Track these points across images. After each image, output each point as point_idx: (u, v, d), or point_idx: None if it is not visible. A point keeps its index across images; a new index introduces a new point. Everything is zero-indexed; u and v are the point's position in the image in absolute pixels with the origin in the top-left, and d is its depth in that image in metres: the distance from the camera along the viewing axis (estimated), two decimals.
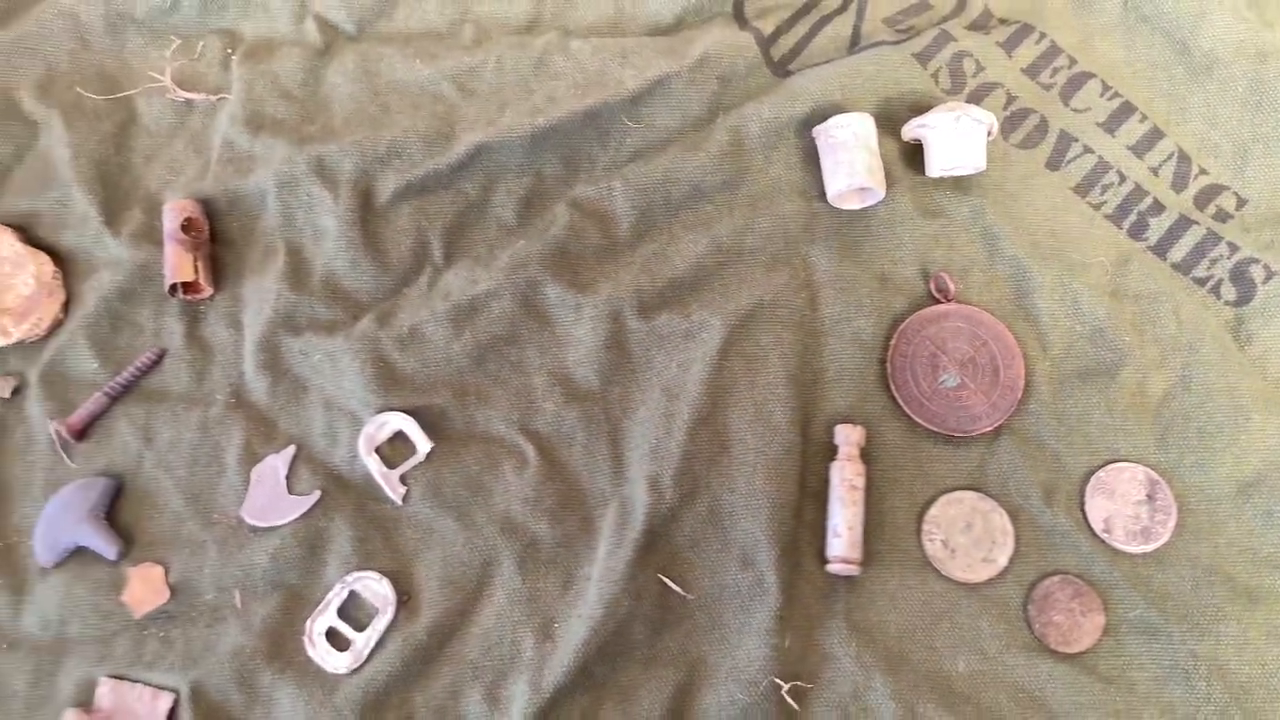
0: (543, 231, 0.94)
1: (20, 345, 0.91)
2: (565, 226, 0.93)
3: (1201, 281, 0.92)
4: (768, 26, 1.00)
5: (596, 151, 0.96)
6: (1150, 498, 0.86)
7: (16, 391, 0.91)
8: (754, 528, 0.84)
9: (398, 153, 0.94)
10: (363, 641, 0.83)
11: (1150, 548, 0.85)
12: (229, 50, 1.00)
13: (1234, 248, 0.92)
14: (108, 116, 0.98)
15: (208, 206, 0.94)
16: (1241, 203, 0.95)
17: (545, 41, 0.99)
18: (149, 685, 0.82)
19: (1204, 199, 0.95)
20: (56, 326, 0.92)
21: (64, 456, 0.89)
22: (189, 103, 0.99)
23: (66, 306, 0.93)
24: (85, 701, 0.82)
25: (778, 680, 0.81)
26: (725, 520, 0.86)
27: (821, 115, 0.95)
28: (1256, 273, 0.91)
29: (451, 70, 0.98)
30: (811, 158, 0.96)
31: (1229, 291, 0.92)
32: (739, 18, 1.01)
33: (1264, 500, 0.86)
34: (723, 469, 0.86)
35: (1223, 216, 0.94)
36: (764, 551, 0.84)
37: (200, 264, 0.91)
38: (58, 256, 0.94)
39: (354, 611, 0.84)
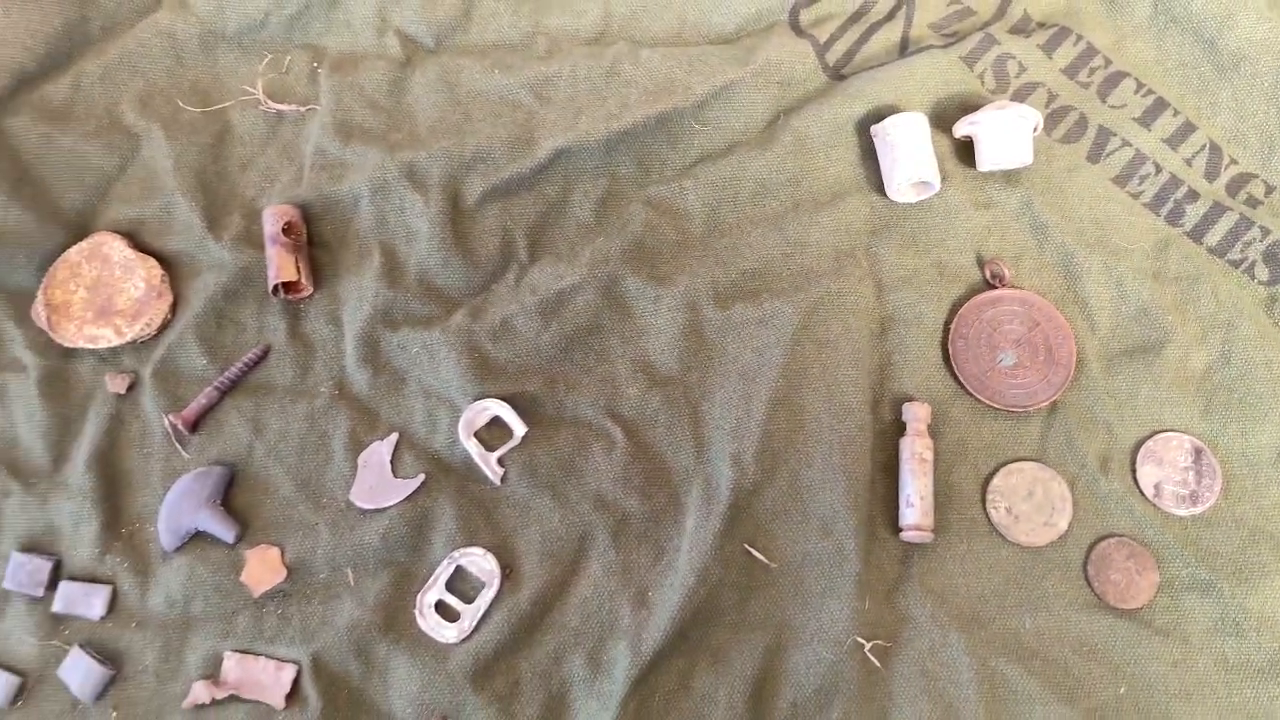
0: (620, 229, 1.00)
1: (132, 344, 0.97)
2: (641, 223, 1.00)
3: (1236, 263, 0.99)
4: (822, 34, 1.07)
5: (667, 153, 1.02)
6: (1196, 464, 0.93)
7: (131, 388, 0.96)
8: (832, 500, 0.90)
9: (482, 158, 1.00)
10: (470, 613, 0.89)
11: (1198, 510, 0.92)
12: (315, 64, 1.06)
13: (1265, 231, 0.99)
14: (204, 128, 1.04)
15: (303, 211, 1.00)
16: (1270, 189, 1.01)
17: (616, 51, 1.05)
18: (272, 658, 0.88)
19: (1235, 187, 1.02)
20: (165, 326, 0.98)
21: (179, 448, 0.94)
22: (279, 114, 1.05)
23: (174, 307, 0.98)
24: (212, 674, 0.88)
25: (860, 639, 0.87)
26: (804, 493, 0.91)
27: (877, 115, 1.02)
28: None
29: (528, 79, 1.04)
30: (869, 155, 1.02)
31: (1262, 272, 0.98)
32: (795, 26, 1.08)
33: None
34: (800, 446, 0.92)
35: (1253, 203, 1.01)
36: (842, 521, 0.90)
37: (301, 264, 0.97)
38: (164, 260, 0.99)
39: (461, 585, 0.90)
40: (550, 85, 1.04)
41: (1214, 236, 1.00)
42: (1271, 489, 0.92)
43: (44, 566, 0.90)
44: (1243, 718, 0.86)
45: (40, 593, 0.89)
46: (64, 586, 0.89)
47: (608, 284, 0.97)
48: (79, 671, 0.87)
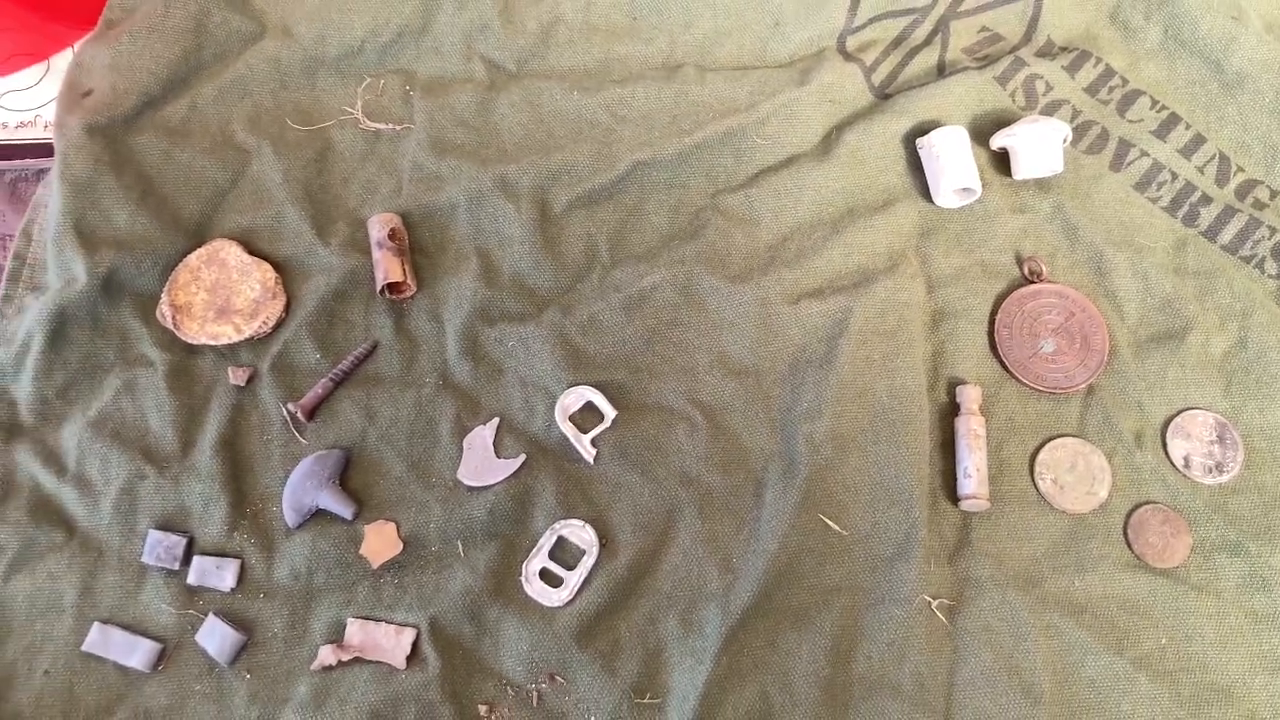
0: (694, 233, 1.10)
1: (250, 341, 1.05)
2: (713, 228, 1.10)
3: (1248, 259, 1.10)
4: (868, 58, 1.18)
5: (733, 165, 1.13)
6: (1220, 438, 1.02)
7: (250, 380, 1.04)
8: (897, 473, 0.99)
9: (567, 170, 1.10)
10: (573, 579, 0.97)
11: (1224, 479, 1.01)
12: (408, 87, 1.16)
13: (1272, 230, 1.10)
14: (308, 145, 1.13)
15: (403, 219, 1.09)
16: (1274, 194, 1.12)
17: (683, 74, 1.16)
18: (391, 623, 0.96)
19: (1243, 191, 1.13)
20: (280, 324, 1.06)
21: (297, 434, 1.02)
22: (377, 132, 1.15)
23: (288, 307, 1.07)
24: (336, 639, 0.95)
25: (927, 598, 0.96)
26: (872, 469, 1.00)
27: (921, 130, 1.13)
28: None
29: (605, 100, 1.14)
30: (916, 166, 1.13)
31: (1271, 266, 1.09)
32: (843, 51, 1.19)
33: None
34: (866, 427, 1.02)
35: (1260, 205, 1.12)
36: (907, 492, 0.99)
37: (406, 267, 1.06)
38: (276, 264, 1.08)
39: (562, 554, 0.98)
40: (625, 105, 1.14)
41: (1226, 235, 1.10)
42: None
43: (179, 543, 0.97)
44: (1272, 663, 0.94)
45: (176, 566, 0.97)
46: (197, 561, 0.97)
47: (684, 282, 1.07)
48: (215, 637, 0.94)
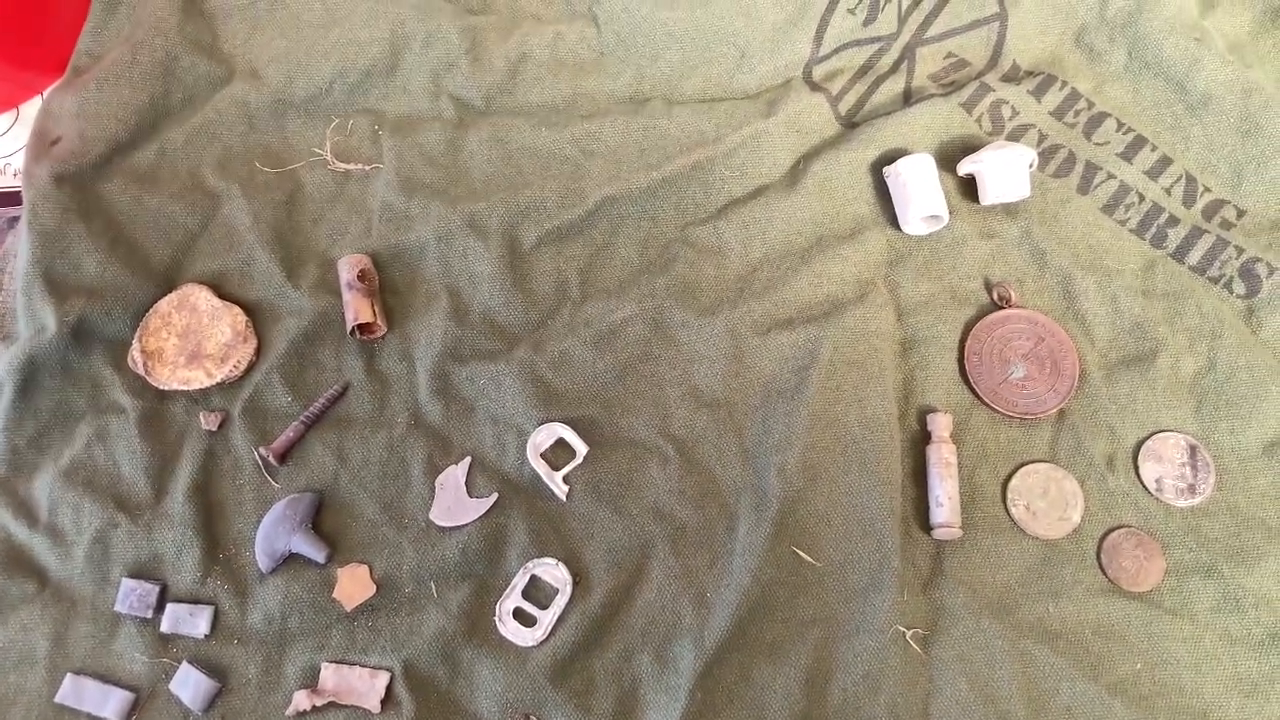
0: (663, 266, 1.10)
1: (222, 385, 1.06)
2: (682, 261, 1.10)
3: (1216, 280, 1.10)
4: (834, 87, 1.19)
5: (702, 197, 1.13)
6: (1192, 460, 1.03)
7: (222, 425, 1.05)
8: (869, 503, 1.00)
9: (536, 207, 1.11)
10: (546, 618, 0.97)
11: (1196, 501, 1.01)
12: (376, 127, 1.17)
13: (1240, 250, 1.10)
14: (278, 187, 1.14)
15: (373, 259, 1.10)
16: (1241, 213, 1.13)
17: (651, 108, 1.16)
18: (366, 666, 0.96)
19: (1210, 212, 1.13)
20: (252, 368, 1.06)
21: (269, 478, 1.02)
22: (346, 173, 1.15)
23: (259, 350, 1.07)
24: (310, 684, 0.95)
25: (902, 629, 0.96)
26: (844, 499, 1.01)
27: (888, 158, 1.13)
28: (1261, 270, 1.09)
29: (574, 136, 1.15)
30: (883, 194, 1.13)
31: (1239, 286, 1.09)
32: (809, 82, 1.19)
33: None
34: (838, 457, 1.02)
35: (1227, 225, 1.12)
36: (880, 522, 0.99)
37: (376, 307, 1.06)
38: (247, 308, 1.08)
39: (536, 593, 0.98)
40: (594, 140, 1.15)
41: (1194, 256, 1.11)
42: (1260, 479, 1.02)
43: (152, 590, 0.97)
44: (1247, 686, 0.94)
45: (149, 614, 0.97)
46: (170, 608, 0.97)
47: (655, 316, 1.07)
48: (189, 685, 0.94)
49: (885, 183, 1.13)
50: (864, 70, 1.20)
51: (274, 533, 0.99)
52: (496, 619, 0.97)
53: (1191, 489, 1.01)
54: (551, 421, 1.03)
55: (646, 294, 1.08)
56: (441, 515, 1.01)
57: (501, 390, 1.04)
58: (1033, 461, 1.03)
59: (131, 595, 0.97)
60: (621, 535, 1.00)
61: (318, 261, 1.11)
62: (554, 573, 0.98)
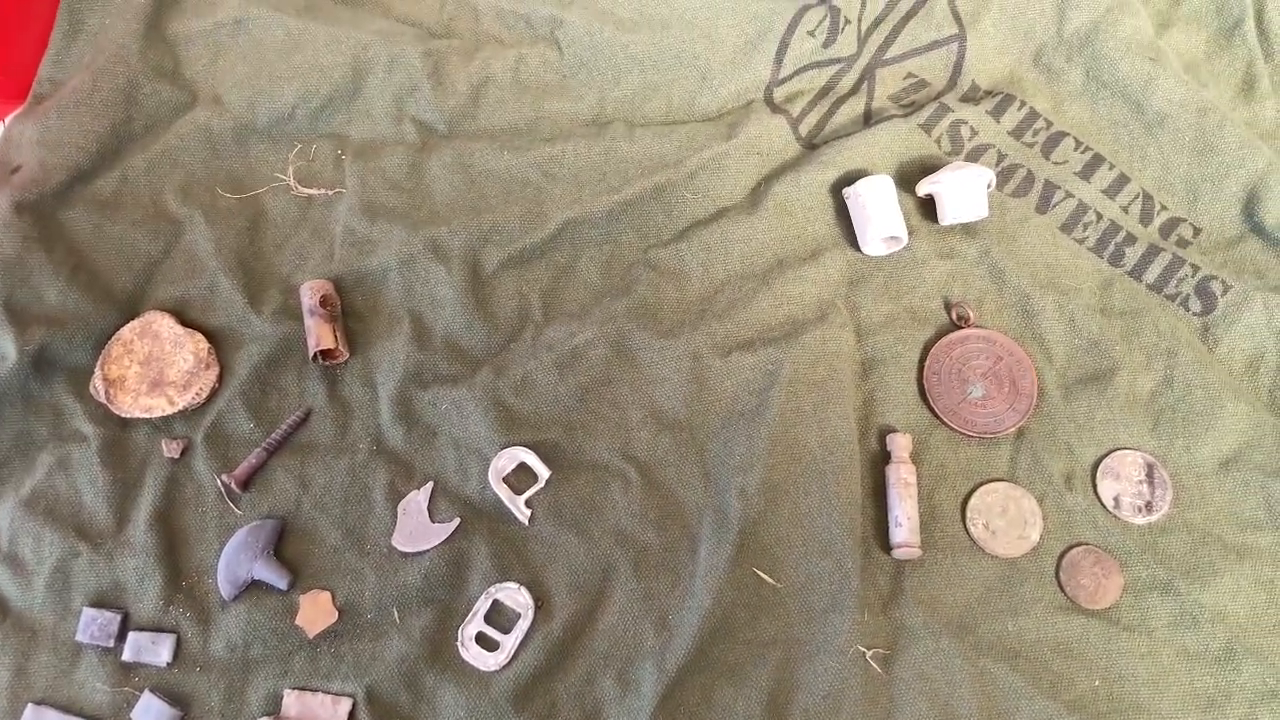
0: (625, 289, 1.11)
1: (184, 413, 1.06)
2: (644, 284, 1.11)
3: (1172, 297, 1.11)
4: (795, 109, 1.20)
5: (663, 220, 1.14)
6: (1149, 477, 1.04)
7: (184, 453, 1.05)
8: (829, 524, 1.00)
9: (498, 230, 1.11)
10: (508, 642, 0.97)
11: (1153, 519, 1.02)
12: (339, 151, 1.17)
13: (1195, 268, 1.12)
14: (240, 213, 1.14)
15: (336, 284, 1.10)
16: (1197, 231, 1.14)
17: (613, 131, 1.17)
18: (328, 693, 0.96)
19: (1167, 230, 1.15)
20: (214, 395, 1.07)
21: (231, 505, 1.03)
22: (309, 198, 1.15)
23: (221, 377, 1.07)
24: (273, 711, 0.96)
25: (862, 649, 0.97)
26: (804, 520, 1.01)
27: (848, 179, 1.14)
28: (1216, 287, 1.10)
29: (535, 159, 1.16)
30: (843, 215, 1.14)
31: (1195, 304, 1.11)
32: (770, 103, 1.20)
33: (1241, 473, 1.03)
34: (798, 477, 1.03)
35: (1183, 243, 1.14)
36: (839, 543, 0.99)
37: (337, 333, 1.07)
38: (210, 335, 1.08)
39: (498, 618, 0.99)
40: (555, 163, 1.16)
41: (1151, 274, 1.12)
42: (1215, 496, 1.03)
43: (113, 619, 0.97)
44: (1204, 701, 0.95)
45: (111, 644, 0.97)
46: (132, 637, 0.97)
47: (616, 339, 1.08)
48: (151, 714, 0.94)
49: (845, 204, 1.14)
50: (824, 92, 1.21)
51: (236, 560, 0.99)
52: (459, 644, 0.97)
53: (1149, 506, 1.03)
54: (514, 445, 1.03)
55: (608, 316, 1.09)
56: (404, 541, 1.01)
57: (464, 415, 1.05)
58: (992, 480, 1.04)
59: (93, 624, 0.97)
60: (584, 558, 1.00)
61: (280, 287, 1.11)
62: (516, 597, 0.99)
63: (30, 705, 0.95)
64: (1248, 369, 1.08)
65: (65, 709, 0.96)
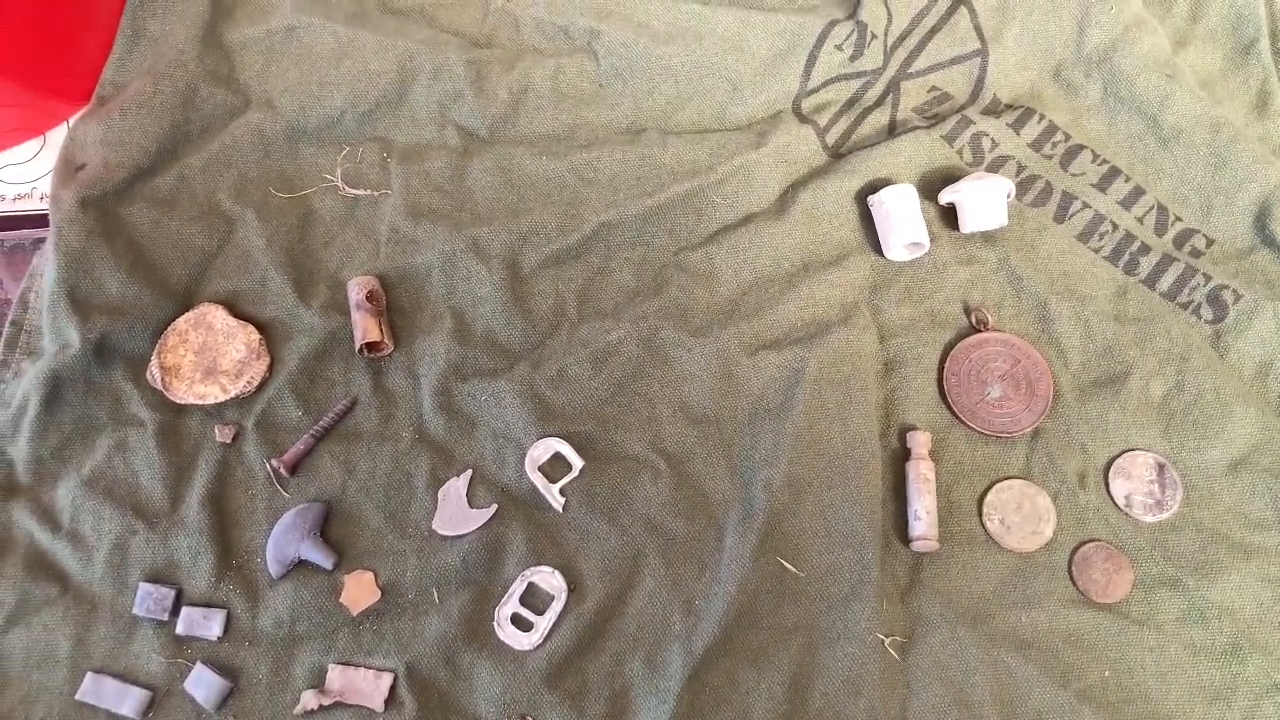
0: (657, 290, 1.16)
1: (236, 400, 1.11)
2: (675, 285, 1.15)
3: (1185, 305, 1.15)
4: (822, 119, 1.24)
5: (694, 224, 1.19)
6: (1160, 477, 1.07)
7: (236, 438, 1.10)
8: (851, 517, 1.04)
9: (536, 232, 1.16)
10: (542, 623, 1.01)
11: (1164, 517, 1.06)
12: (385, 154, 1.23)
13: (1208, 278, 1.15)
14: (290, 211, 1.20)
15: (381, 280, 1.15)
16: (1210, 242, 1.18)
17: (647, 139, 1.22)
18: (370, 668, 1.00)
19: (1180, 240, 1.18)
20: (264, 384, 1.12)
21: (280, 488, 1.08)
22: (356, 198, 1.21)
23: (271, 367, 1.12)
24: (318, 684, 1.00)
25: (880, 636, 1.01)
26: (827, 512, 1.05)
27: (872, 187, 1.19)
28: (1227, 296, 1.14)
29: (573, 164, 1.20)
30: (867, 221, 1.19)
31: (1207, 312, 1.14)
32: (798, 114, 1.25)
33: (1249, 475, 1.07)
34: (821, 472, 1.07)
35: (1196, 254, 1.18)
36: (860, 535, 1.03)
37: (383, 327, 1.12)
38: (261, 326, 1.14)
39: (532, 600, 1.03)
40: (592, 169, 1.20)
41: (1165, 283, 1.16)
42: (1224, 496, 1.06)
43: (168, 594, 1.02)
44: (1210, 694, 0.99)
45: (165, 617, 1.02)
46: (185, 611, 1.02)
47: (648, 337, 1.13)
48: (203, 684, 0.99)
49: (870, 211, 1.18)
50: (851, 103, 1.25)
51: (284, 540, 1.04)
52: (495, 624, 1.02)
53: (1160, 505, 1.06)
54: (549, 436, 1.08)
55: (640, 316, 1.14)
56: (444, 525, 1.06)
57: (502, 406, 1.09)
58: (1008, 478, 1.08)
59: (149, 599, 1.02)
60: (615, 545, 1.05)
61: (328, 282, 1.16)
62: (550, 580, 1.03)
63: (89, 673, 1.00)
64: (1258, 375, 1.11)
65: (122, 677, 1.00)
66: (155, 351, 1.11)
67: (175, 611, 1.03)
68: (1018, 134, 1.23)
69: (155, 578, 1.04)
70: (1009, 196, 1.16)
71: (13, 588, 1.03)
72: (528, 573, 1.03)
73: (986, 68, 1.25)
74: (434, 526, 1.06)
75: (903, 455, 1.09)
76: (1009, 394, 1.10)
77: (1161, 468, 1.07)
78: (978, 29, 1.25)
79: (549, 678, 0.99)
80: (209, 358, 1.11)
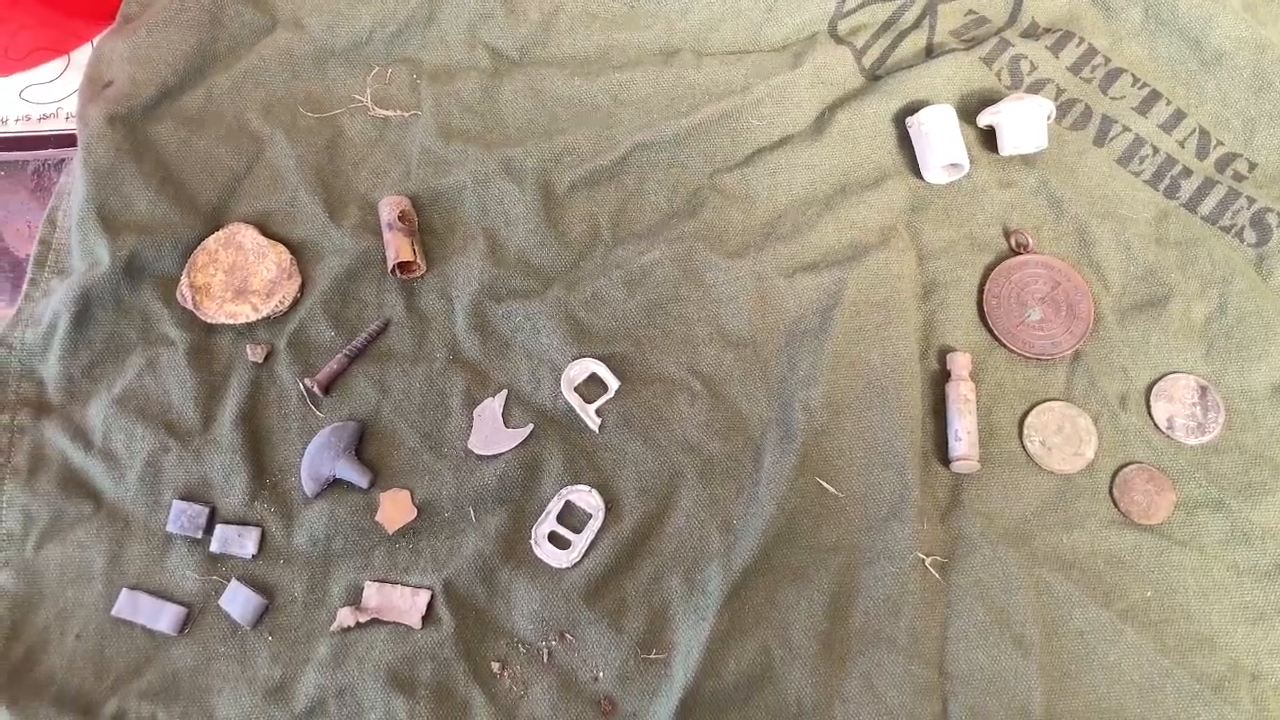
0: (692, 211, 1.14)
1: (267, 320, 1.10)
2: (710, 207, 1.14)
3: (1227, 229, 1.13)
4: (858, 40, 1.22)
5: (729, 146, 1.17)
6: (1202, 400, 1.06)
7: (268, 357, 1.09)
8: (891, 437, 1.04)
9: (569, 152, 1.14)
10: (580, 541, 1.01)
11: (1206, 439, 1.05)
12: (415, 76, 1.21)
13: (1251, 201, 1.14)
14: (320, 132, 1.18)
15: (413, 201, 1.14)
16: (1253, 166, 1.16)
17: (681, 59, 1.20)
18: (407, 585, 1.00)
19: (1222, 164, 1.17)
20: (296, 304, 1.10)
21: (313, 408, 1.07)
22: (386, 119, 1.19)
23: (303, 287, 1.11)
24: (354, 602, 1.00)
25: (921, 555, 1.00)
26: (866, 433, 1.05)
27: (910, 109, 1.17)
28: (1271, 220, 1.12)
29: (606, 85, 1.19)
30: (905, 144, 1.17)
31: (1250, 236, 1.13)
32: (834, 35, 1.23)
33: None
34: (860, 393, 1.06)
35: (1239, 178, 1.16)
36: (900, 455, 1.02)
37: (415, 247, 1.10)
38: (291, 246, 1.12)
39: (569, 518, 1.02)
40: (625, 89, 1.19)
41: (1207, 207, 1.14)
42: (1267, 419, 1.05)
43: (201, 512, 1.02)
44: (1253, 614, 0.98)
45: (199, 535, 1.01)
46: (219, 529, 1.01)
47: (683, 258, 1.11)
48: (238, 601, 0.99)
49: (907, 133, 1.16)
50: (887, 25, 1.23)
51: (319, 458, 1.03)
52: (532, 542, 1.01)
53: (1201, 428, 1.05)
54: (585, 357, 1.07)
55: (675, 237, 1.12)
56: (479, 444, 1.05)
57: (536, 328, 1.08)
58: (1048, 400, 1.07)
59: (182, 516, 1.01)
60: (652, 465, 1.04)
61: (359, 203, 1.15)
62: (587, 499, 1.02)
63: (125, 590, 1.00)
64: None
65: (157, 594, 1.00)
66: (185, 270, 1.10)
67: (209, 529, 1.02)
68: (1057, 57, 1.21)
69: (188, 496, 1.03)
70: (1049, 118, 1.14)
71: (46, 504, 1.02)
72: (564, 491, 1.03)
73: None
74: (469, 446, 1.05)
75: (942, 377, 1.07)
76: (1049, 316, 1.09)
77: (1204, 390, 1.06)
78: None
79: (587, 594, 0.99)
80: (240, 277, 1.10)
